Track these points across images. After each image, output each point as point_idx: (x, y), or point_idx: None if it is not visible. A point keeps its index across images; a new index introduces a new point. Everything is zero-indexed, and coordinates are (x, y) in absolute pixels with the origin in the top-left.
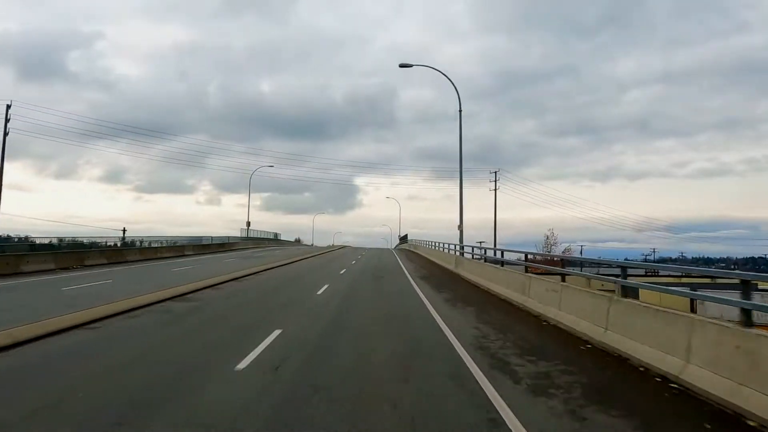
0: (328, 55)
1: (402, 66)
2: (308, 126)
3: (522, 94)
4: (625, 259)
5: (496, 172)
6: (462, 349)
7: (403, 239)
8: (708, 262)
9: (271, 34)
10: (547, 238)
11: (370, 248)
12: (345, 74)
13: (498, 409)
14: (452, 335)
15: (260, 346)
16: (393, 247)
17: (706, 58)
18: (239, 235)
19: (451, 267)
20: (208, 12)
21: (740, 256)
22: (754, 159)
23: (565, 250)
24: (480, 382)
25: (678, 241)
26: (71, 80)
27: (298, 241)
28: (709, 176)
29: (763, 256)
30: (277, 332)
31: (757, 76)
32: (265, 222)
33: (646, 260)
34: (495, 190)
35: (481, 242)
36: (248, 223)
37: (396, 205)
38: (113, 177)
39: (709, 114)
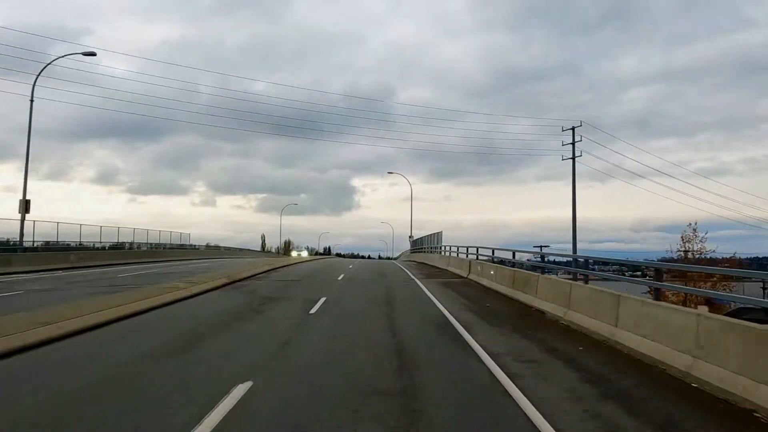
0: (324, 52)
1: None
2: (303, 125)
3: (521, 92)
4: None
5: (573, 129)
6: None
7: (421, 244)
8: (712, 262)
9: (265, 31)
10: (682, 239)
11: (358, 263)
12: (342, 72)
13: None
14: None
15: None
16: (397, 256)
17: (707, 55)
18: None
19: None
20: (201, 9)
21: (744, 256)
22: (755, 159)
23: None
24: None
25: (676, 241)
26: (58, 77)
27: (287, 248)
28: (709, 176)
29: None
30: None
31: (759, 75)
32: (262, 223)
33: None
34: (573, 157)
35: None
36: (24, 204)
37: (396, 200)
38: (106, 178)
39: (710, 113)
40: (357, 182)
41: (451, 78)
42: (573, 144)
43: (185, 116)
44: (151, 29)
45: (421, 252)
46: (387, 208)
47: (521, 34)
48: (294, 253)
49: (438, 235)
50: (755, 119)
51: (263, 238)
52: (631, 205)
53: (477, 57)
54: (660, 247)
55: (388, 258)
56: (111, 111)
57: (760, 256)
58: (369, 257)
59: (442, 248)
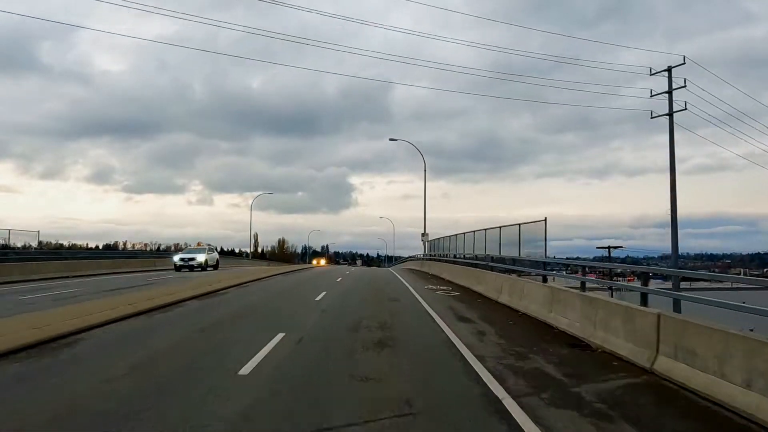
0: (321, 49)
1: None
2: (300, 122)
3: (520, 89)
4: None
5: (670, 69)
6: None
7: (452, 248)
8: (712, 258)
9: (261, 26)
10: None
11: (330, 293)
12: (339, 69)
13: None
14: None
15: None
16: (405, 259)
17: (707, 50)
18: None
19: None
20: (196, 3)
21: (743, 253)
22: (753, 154)
23: None
24: None
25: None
26: (47, 74)
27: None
28: (707, 172)
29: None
30: None
31: (758, 69)
32: (260, 222)
33: None
34: (671, 113)
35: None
36: None
37: (394, 198)
38: (101, 177)
39: (709, 108)
40: (355, 180)
41: (450, 73)
42: (670, 92)
43: (181, 113)
44: (147, 26)
45: (451, 262)
46: (385, 207)
47: (519, 30)
48: (176, 258)
49: (536, 231)
50: (754, 115)
51: (256, 237)
52: (630, 201)
53: (475, 51)
54: (660, 244)
55: (389, 259)
56: (105, 109)
57: (762, 252)
58: (368, 255)
59: (556, 270)
